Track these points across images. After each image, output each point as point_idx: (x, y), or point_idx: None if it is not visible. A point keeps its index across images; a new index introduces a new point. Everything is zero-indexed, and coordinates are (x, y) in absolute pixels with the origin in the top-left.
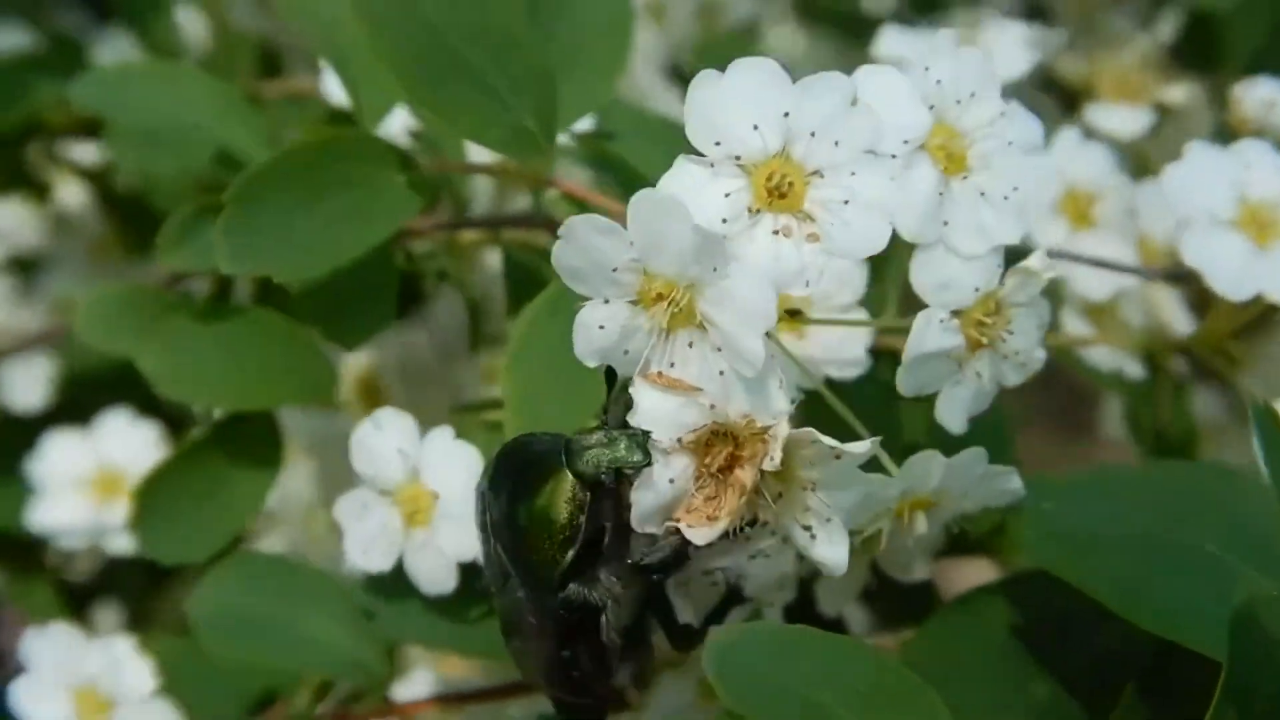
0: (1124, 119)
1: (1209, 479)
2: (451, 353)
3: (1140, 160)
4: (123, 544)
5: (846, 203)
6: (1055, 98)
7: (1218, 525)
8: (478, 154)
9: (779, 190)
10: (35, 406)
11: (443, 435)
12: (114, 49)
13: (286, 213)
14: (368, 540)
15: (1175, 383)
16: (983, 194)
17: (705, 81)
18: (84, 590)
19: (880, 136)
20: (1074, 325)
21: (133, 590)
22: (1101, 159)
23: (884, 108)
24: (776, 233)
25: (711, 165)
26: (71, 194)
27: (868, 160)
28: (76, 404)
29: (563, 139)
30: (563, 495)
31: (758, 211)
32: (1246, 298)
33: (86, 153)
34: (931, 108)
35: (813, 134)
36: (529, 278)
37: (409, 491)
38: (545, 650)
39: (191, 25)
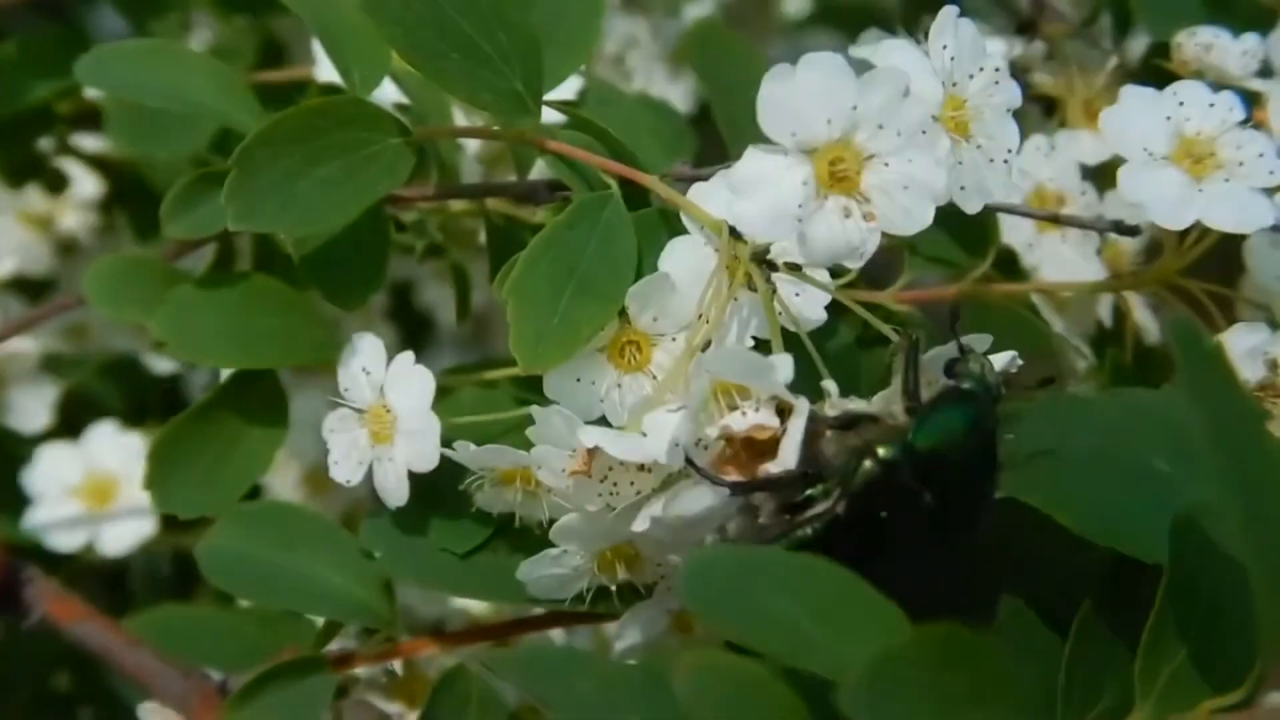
0: (1090, 148)
1: (1162, 402)
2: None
3: (1108, 171)
4: (115, 545)
5: (906, 187)
6: (1035, 103)
7: (1167, 444)
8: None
9: (840, 175)
10: (39, 429)
11: (404, 359)
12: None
13: (287, 175)
14: (343, 453)
15: (1137, 328)
16: (988, 159)
17: (778, 76)
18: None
19: (928, 122)
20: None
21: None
22: (1070, 166)
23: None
24: (845, 211)
25: (785, 154)
26: (75, 218)
27: (919, 145)
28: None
29: (550, 113)
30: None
31: (824, 194)
32: (1185, 226)
33: (99, 145)
34: (950, 83)
35: (880, 126)
36: (511, 247)
37: (376, 410)
38: None
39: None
